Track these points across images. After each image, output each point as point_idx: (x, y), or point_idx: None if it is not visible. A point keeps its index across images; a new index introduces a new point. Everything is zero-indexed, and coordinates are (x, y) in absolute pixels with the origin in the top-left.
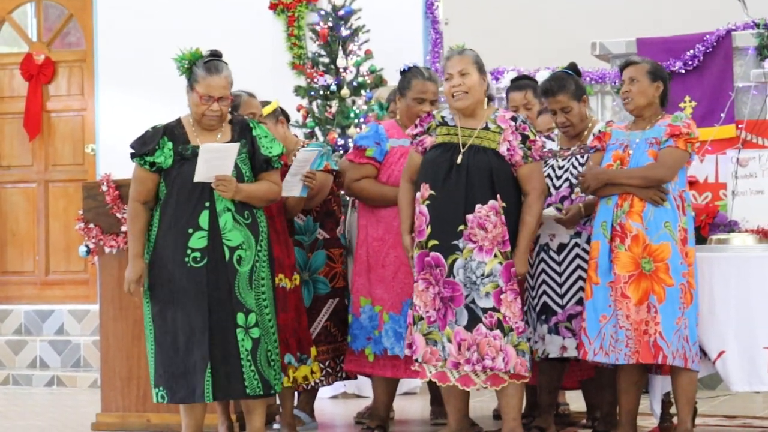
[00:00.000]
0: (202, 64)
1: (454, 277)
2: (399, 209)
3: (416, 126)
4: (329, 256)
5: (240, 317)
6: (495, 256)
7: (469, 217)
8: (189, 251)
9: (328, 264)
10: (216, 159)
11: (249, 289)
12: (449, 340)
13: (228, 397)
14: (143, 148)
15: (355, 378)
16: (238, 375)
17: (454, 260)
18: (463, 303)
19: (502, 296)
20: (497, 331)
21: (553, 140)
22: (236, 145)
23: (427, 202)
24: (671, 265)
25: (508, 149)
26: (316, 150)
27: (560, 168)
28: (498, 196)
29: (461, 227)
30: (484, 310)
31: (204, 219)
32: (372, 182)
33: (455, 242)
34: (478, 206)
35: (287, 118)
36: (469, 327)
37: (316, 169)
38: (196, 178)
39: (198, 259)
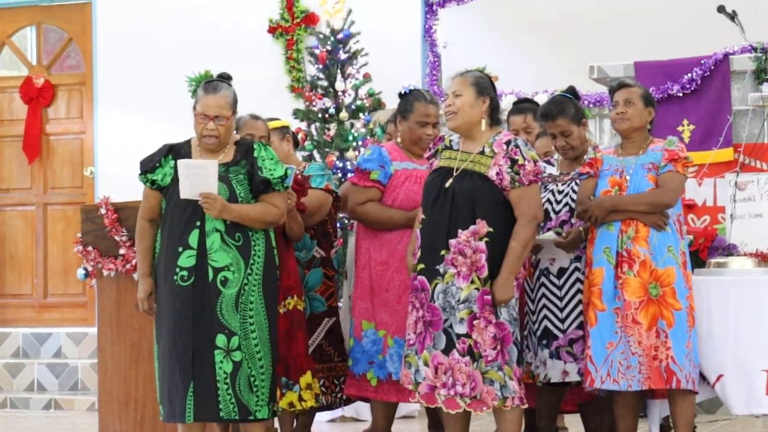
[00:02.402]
0: (203, 85)
1: (434, 301)
2: (413, 232)
3: (430, 149)
4: (326, 275)
5: (220, 339)
6: (472, 281)
7: (452, 242)
8: (177, 270)
9: (324, 282)
10: (197, 176)
11: (234, 311)
12: (426, 364)
13: (204, 419)
14: (147, 164)
15: (352, 401)
16: (214, 397)
17: (436, 284)
18: (442, 327)
19: (475, 322)
20: (467, 358)
21: (552, 165)
22: (214, 162)
23: (420, 226)
24: (677, 289)
25: (498, 173)
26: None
27: (560, 192)
28: (479, 221)
29: (443, 252)
30: (458, 336)
31: (194, 238)
32: (378, 205)
33: (437, 267)
34: (459, 231)
35: (296, 144)
36: (446, 351)
37: (316, 187)
38: (182, 195)
39: (185, 278)
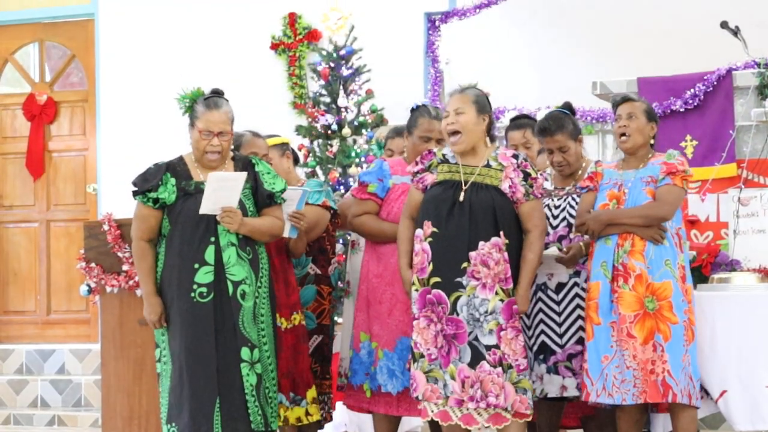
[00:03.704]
0: (202, 101)
1: (457, 314)
2: (398, 245)
3: (417, 163)
4: (319, 292)
5: (245, 352)
6: (496, 293)
7: (473, 254)
8: (195, 287)
9: (317, 300)
10: (223, 189)
11: (253, 324)
12: (453, 378)
13: None
14: (145, 184)
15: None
16: (244, 411)
17: (458, 297)
18: (467, 340)
19: (502, 333)
20: (499, 369)
21: (546, 180)
22: (244, 174)
23: (429, 239)
24: (674, 302)
25: (510, 186)
26: (300, 189)
27: (557, 208)
28: (501, 232)
29: (464, 264)
30: (488, 347)
31: (210, 254)
32: (372, 218)
33: (458, 279)
34: (481, 243)
35: (296, 160)
36: (473, 364)
37: (314, 203)
38: (202, 210)
39: (204, 294)
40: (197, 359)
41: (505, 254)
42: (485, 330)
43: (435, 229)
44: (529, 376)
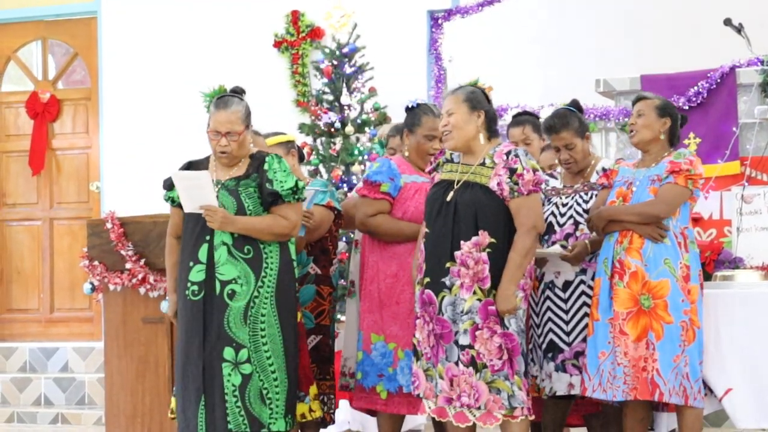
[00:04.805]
0: (215, 100)
1: (443, 314)
2: (416, 246)
3: (431, 163)
4: (318, 292)
5: (228, 352)
6: (474, 293)
7: (457, 254)
8: (189, 284)
9: (316, 299)
10: (193, 188)
11: (242, 324)
12: (441, 377)
13: None
14: (167, 182)
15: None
16: (222, 410)
17: (443, 297)
18: (453, 339)
19: (478, 333)
20: (470, 369)
21: (555, 178)
22: (206, 173)
23: (424, 240)
24: (670, 302)
25: (498, 184)
26: (312, 189)
27: (564, 205)
28: (481, 232)
29: (449, 264)
30: (462, 347)
31: (203, 252)
32: (388, 218)
33: (443, 279)
34: (462, 243)
35: (301, 158)
36: (459, 363)
37: (318, 204)
38: (185, 209)
39: (196, 292)
40: (187, 356)
41: (484, 254)
42: (461, 330)
43: (427, 230)
44: (539, 374)
